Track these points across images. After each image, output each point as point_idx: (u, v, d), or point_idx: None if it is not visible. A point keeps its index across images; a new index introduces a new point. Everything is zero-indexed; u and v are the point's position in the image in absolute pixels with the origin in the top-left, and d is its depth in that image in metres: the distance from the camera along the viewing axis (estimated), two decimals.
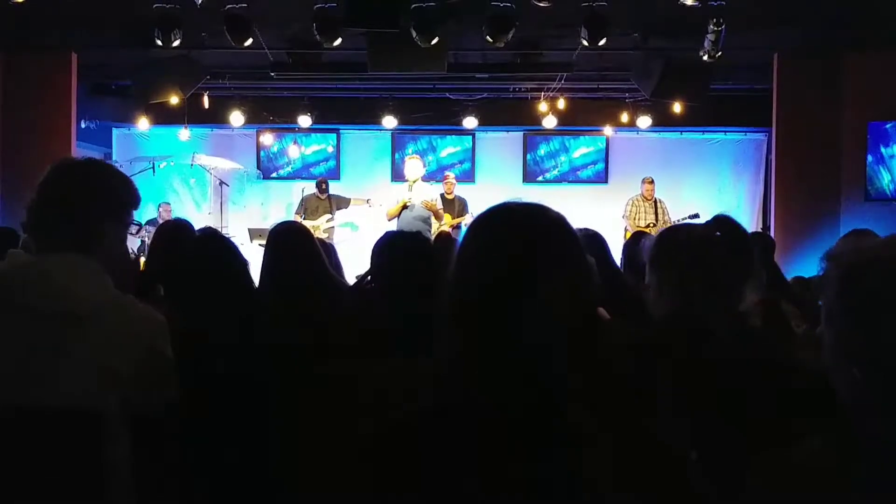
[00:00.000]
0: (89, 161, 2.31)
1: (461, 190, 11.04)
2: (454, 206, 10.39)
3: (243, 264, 2.92)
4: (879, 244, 1.33)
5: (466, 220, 10.07)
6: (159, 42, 7.60)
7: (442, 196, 10.19)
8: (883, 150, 9.02)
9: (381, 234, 3.49)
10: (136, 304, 2.16)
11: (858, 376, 1.27)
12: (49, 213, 2.12)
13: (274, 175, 12.76)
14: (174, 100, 9.61)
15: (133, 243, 10.37)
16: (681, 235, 2.33)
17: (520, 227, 1.41)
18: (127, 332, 2.07)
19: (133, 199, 2.25)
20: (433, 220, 9.38)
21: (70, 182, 2.15)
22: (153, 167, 11.14)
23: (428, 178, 10.42)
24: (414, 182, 9.37)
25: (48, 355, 2.00)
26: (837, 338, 1.32)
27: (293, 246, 3.69)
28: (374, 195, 11.08)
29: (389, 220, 9.27)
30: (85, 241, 2.10)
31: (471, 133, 12.35)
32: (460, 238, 1.50)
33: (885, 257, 1.30)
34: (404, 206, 9.22)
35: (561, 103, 11.15)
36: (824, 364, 1.36)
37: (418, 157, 9.97)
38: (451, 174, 11.13)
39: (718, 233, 2.25)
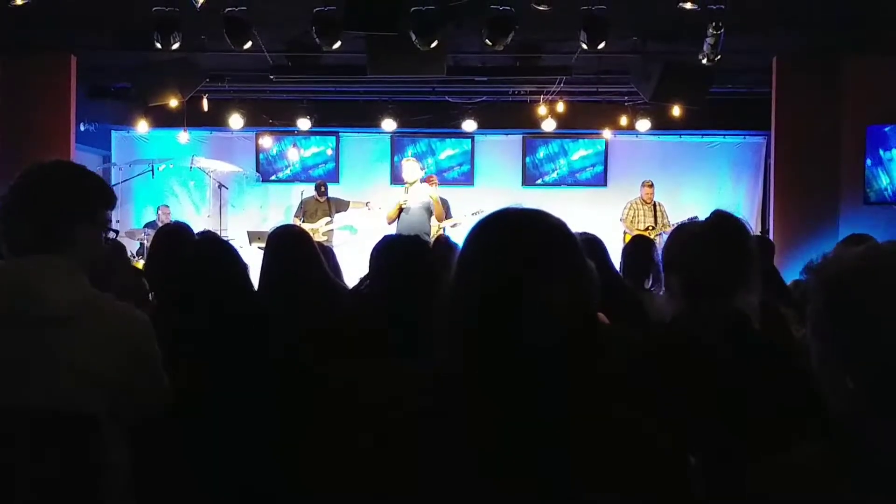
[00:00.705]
0: (57, 163, 2.29)
1: (460, 193, 11.05)
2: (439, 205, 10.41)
3: (243, 268, 2.92)
4: (860, 253, 1.33)
5: (461, 222, 10.11)
6: (158, 44, 7.59)
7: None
8: (882, 153, 9.02)
9: (380, 237, 3.50)
10: (116, 303, 2.13)
11: (851, 386, 1.27)
12: (16, 215, 2.10)
13: (273, 178, 12.75)
14: (173, 102, 9.61)
15: (132, 246, 10.37)
16: (683, 236, 2.32)
17: (521, 232, 1.42)
18: (108, 333, 2.04)
19: (103, 200, 2.21)
20: (434, 220, 9.39)
21: (36, 184, 2.13)
22: (152, 170, 11.13)
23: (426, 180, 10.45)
24: (411, 184, 9.39)
25: (29, 360, 1.97)
26: (827, 349, 1.32)
27: (292, 249, 3.69)
28: (374, 198, 11.10)
29: (389, 224, 9.30)
30: (54, 242, 2.07)
31: (470, 136, 12.36)
32: (451, 238, 1.50)
33: (869, 267, 1.30)
34: (401, 209, 9.25)
35: (560, 106, 11.16)
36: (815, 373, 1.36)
37: (415, 159, 9.98)
38: (433, 176, 11.12)
39: (713, 231, 2.24)
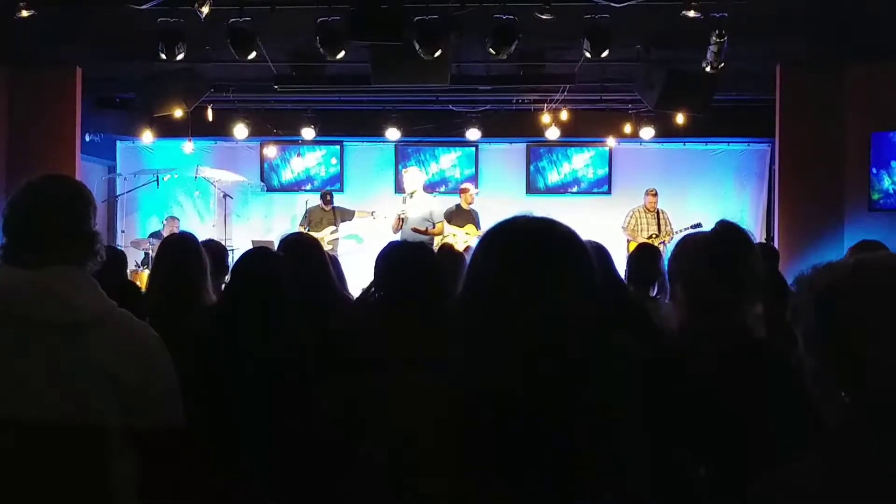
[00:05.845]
0: (66, 177, 2.34)
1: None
2: (470, 217, 10.29)
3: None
4: (851, 269, 1.32)
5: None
6: (163, 55, 7.63)
7: (458, 206, 10.22)
8: (886, 159, 9.01)
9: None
10: (134, 317, 2.16)
11: (847, 401, 1.27)
12: (34, 228, 2.11)
13: (278, 187, 12.79)
14: (178, 113, 9.63)
15: (137, 256, 10.38)
16: (688, 247, 2.32)
17: (532, 240, 1.42)
18: (128, 341, 2.07)
19: (96, 214, 2.24)
20: (432, 229, 9.41)
21: (54, 197, 2.15)
22: (157, 180, 11.16)
23: (431, 188, 10.43)
24: (412, 193, 9.41)
25: (57, 363, 1.99)
26: (822, 365, 1.31)
27: (302, 256, 3.69)
28: (378, 207, 11.12)
29: (395, 234, 9.35)
30: (85, 255, 2.10)
31: (474, 145, 12.38)
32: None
33: (861, 283, 1.29)
34: (401, 219, 9.33)
35: (564, 115, 11.18)
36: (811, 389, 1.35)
37: (416, 168, 10.02)
38: (470, 186, 10.93)
39: (718, 243, 2.23)
